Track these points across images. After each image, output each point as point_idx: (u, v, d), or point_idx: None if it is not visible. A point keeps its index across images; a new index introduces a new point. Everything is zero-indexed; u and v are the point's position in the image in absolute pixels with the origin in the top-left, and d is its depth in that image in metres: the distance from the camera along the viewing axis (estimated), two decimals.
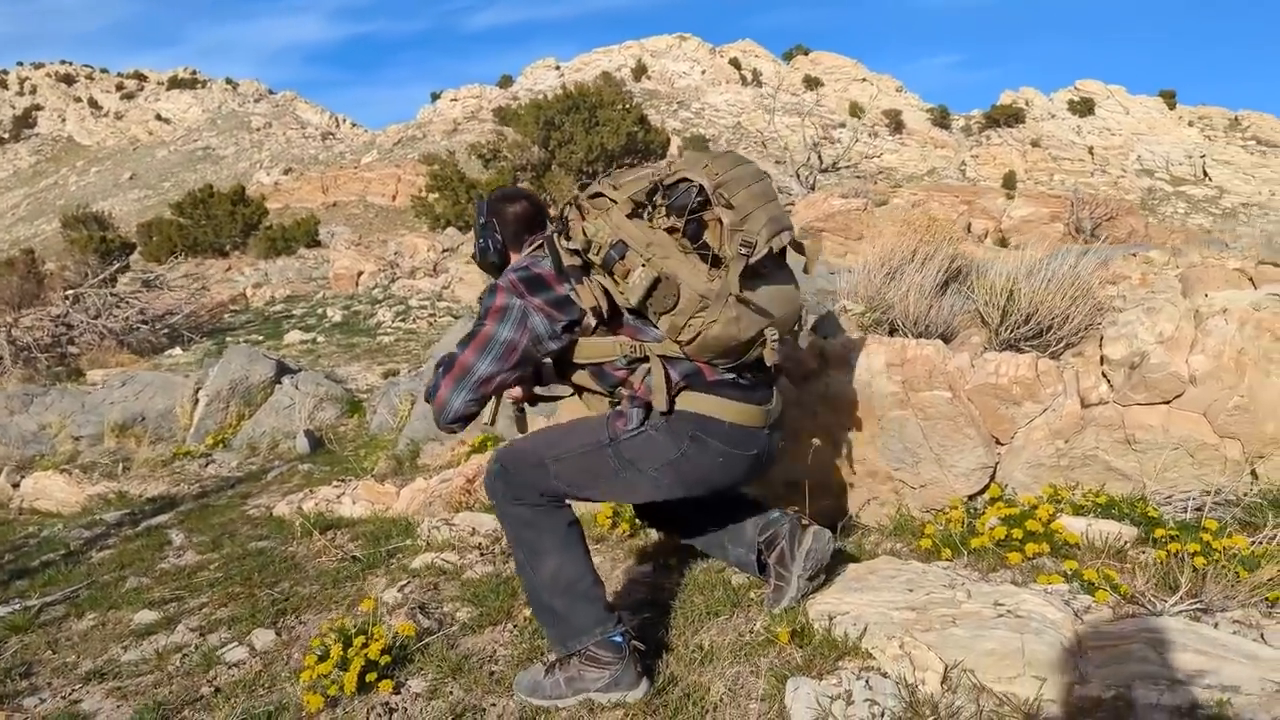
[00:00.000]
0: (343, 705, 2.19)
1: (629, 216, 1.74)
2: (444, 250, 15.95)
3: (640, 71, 63.56)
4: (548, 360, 1.98)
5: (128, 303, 10.52)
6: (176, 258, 19.04)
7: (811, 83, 65.55)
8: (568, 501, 2.00)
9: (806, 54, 70.54)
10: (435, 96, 65.15)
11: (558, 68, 68.04)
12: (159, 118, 71.47)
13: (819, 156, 12.75)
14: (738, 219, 1.70)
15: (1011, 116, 56.49)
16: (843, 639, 1.91)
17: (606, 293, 1.78)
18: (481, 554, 3.09)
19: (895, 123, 57.91)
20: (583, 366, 1.92)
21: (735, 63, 67.38)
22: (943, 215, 8.82)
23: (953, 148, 56.47)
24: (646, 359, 1.82)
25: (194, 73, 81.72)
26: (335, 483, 4.27)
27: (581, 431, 1.94)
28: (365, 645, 2.34)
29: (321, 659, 2.35)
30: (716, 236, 1.72)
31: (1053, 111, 57.44)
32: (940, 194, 9.66)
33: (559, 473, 1.92)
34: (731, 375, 1.84)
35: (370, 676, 2.24)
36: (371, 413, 5.90)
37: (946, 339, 2.63)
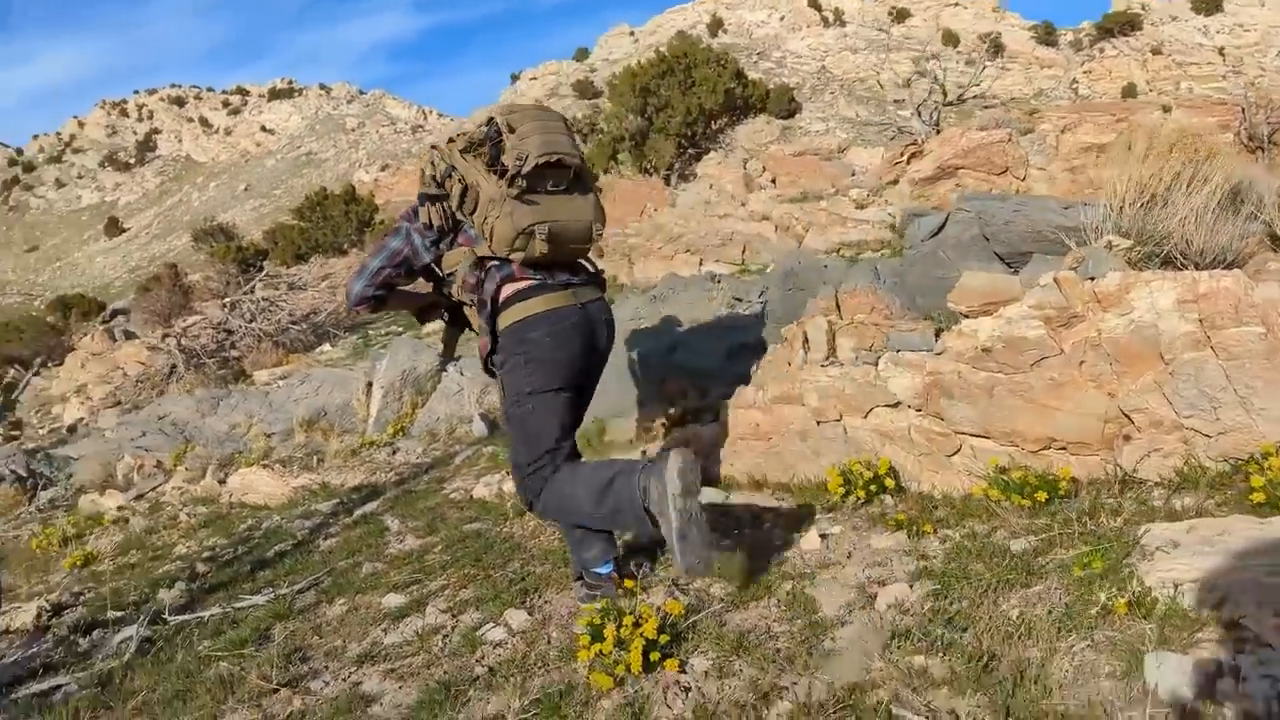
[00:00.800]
0: (630, 684, 2.18)
1: (462, 152, 2.42)
2: None
3: (716, 26, 61.92)
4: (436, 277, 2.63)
5: (278, 306, 11.11)
6: (315, 258, 19.98)
7: (899, 15, 62.32)
8: (564, 457, 2.56)
9: None
10: (515, 77, 65.60)
11: (632, 33, 67.18)
12: (264, 129, 75.06)
13: (942, 90, 11.96)
14: (517, 140, 2.32)
15: (1126, 24, 52.09)
16: (1195, 608, 1.74)
17: (451, 215, 2.47)
18: (712, 530, 3.04)
19: (994, 46, 54.36)
20: (452, 276, 2.54)
21: (815, 4, 64.72)
22: (1097, 137, 8.18)
23: (1061, 65, 52.58)
24: (478, 263, 2.45)
25: (290, 82, 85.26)
26: None
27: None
28: (637, 625, 2.32)
29: (595, 638, 2.35)
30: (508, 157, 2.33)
31: (1173, 13, 52.59)
32: (1093, 114, 8.96)
33: (530, 454, 2.53)
34: (540, 278, 2.42)
35: (653, 655, 2.23)
36: None
37: (1234, 268, 2.37)
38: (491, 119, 2.40)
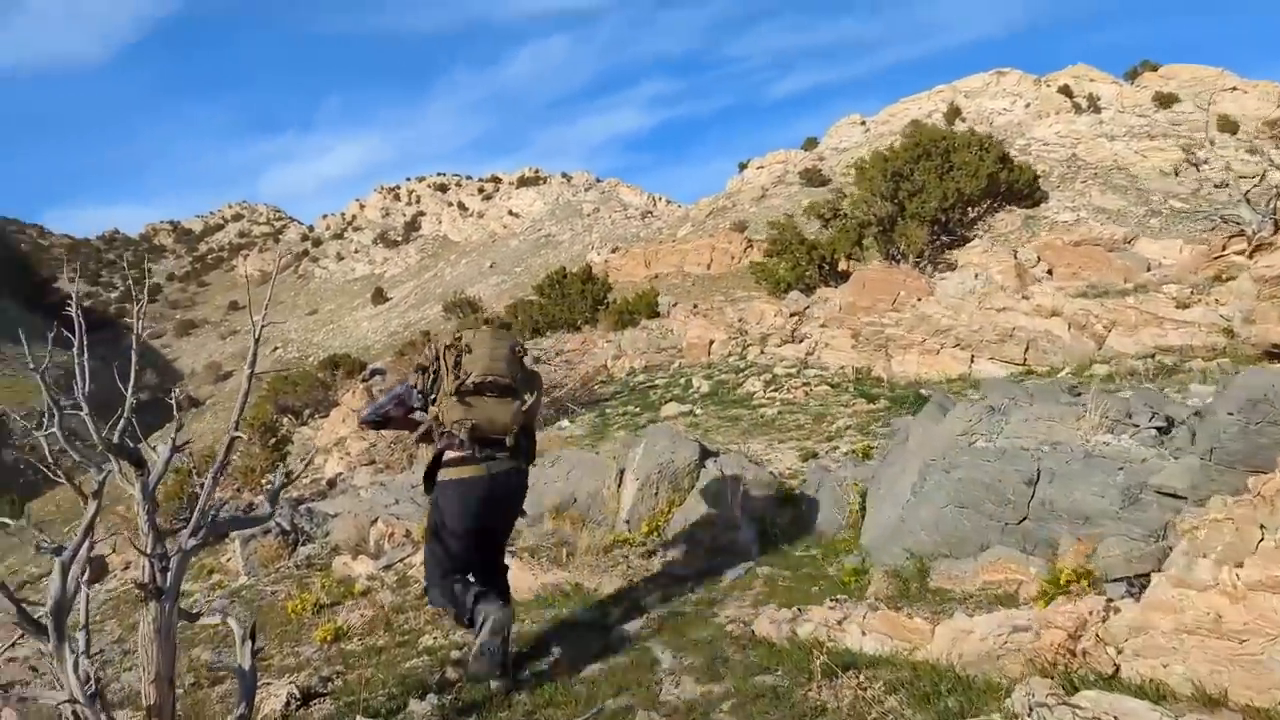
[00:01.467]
0: None
1: (446, 347, 3.47)
2: (791, 314, 15.40)
3: (954, 114, 59.54)
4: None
5: None
6: (560, 334, 20.75)
7: (1165, 100, 56.64)
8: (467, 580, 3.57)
9: (1155, 69, 61.44)
10: (742, 166, 66.77)
11: (863, 122, 66.39)
12: (510, 213, 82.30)
13: None
14: (470, 360, 3.42)
15: None
16: None
17: (433, 384, 3.49)
18: None
19: None
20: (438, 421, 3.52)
21: (1066, 90, 60.42)
22: None
23: None
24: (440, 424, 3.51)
25: (537, 171, 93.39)
26: (830, 603, 3.54)
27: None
28: None
29: None
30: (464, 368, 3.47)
31: None
32: None
33: (434, 569, 3.58)
34: (468, 451, 3.41)
35: None
36: (806, 503, 5.21)
37: None
38: (458, 336, 3.48)
